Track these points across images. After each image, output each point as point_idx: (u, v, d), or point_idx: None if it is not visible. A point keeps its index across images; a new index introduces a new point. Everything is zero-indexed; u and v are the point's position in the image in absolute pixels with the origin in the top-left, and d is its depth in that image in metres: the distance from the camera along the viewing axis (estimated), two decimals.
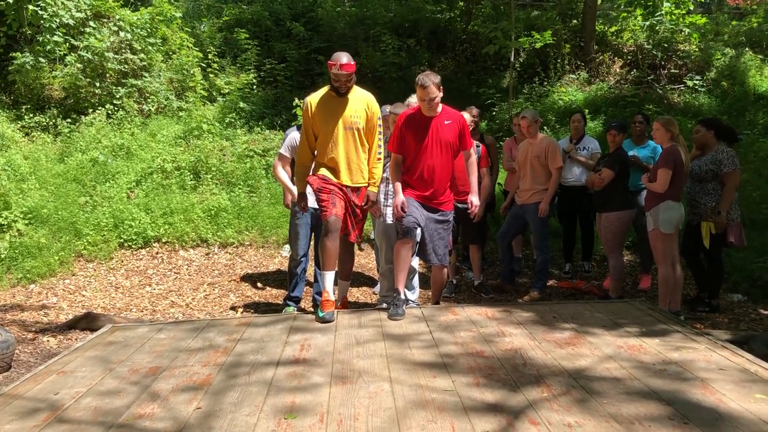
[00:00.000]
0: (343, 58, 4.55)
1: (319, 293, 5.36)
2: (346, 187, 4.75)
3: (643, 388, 3.13)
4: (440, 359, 3.65)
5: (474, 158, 5.01)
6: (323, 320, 4.48)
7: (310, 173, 4.84)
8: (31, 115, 9.57)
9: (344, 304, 5.04)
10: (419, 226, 4.75)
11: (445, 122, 4.79)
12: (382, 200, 5.32)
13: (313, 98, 4.75)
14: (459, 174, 5.61)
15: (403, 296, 4.78)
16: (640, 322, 4.37)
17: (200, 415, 2.96)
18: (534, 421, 2.79)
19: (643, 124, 6.49)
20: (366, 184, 4.88)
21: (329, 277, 4.66)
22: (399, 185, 4.82)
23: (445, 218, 4.93)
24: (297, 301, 5.74)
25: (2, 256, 6.85)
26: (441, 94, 4.70)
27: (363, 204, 4.88)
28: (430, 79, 4.62)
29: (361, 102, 4.76)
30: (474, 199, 4.97)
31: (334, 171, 4.72)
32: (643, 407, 2.91)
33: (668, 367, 3.43)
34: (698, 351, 3.70)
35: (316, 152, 4.81)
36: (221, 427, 2.81)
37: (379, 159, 4.91)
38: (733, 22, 12.28)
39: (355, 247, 5.44)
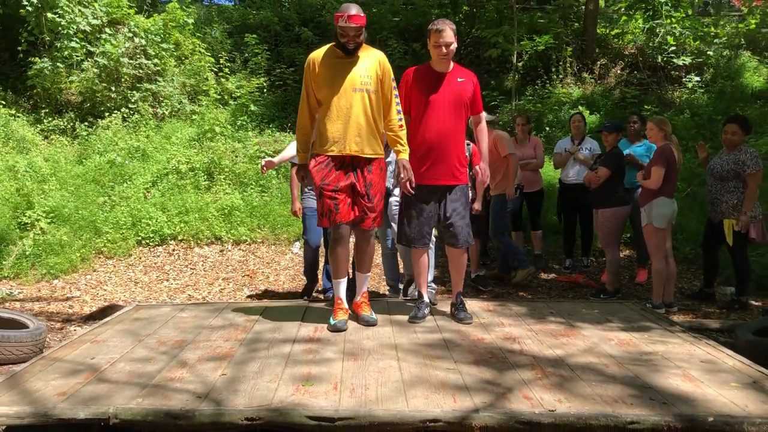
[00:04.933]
0: (352, 8, 3.95)
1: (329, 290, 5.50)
2: (357, 158, 4.13)
3: (628, 374, 3.40)
4: (443, 343, 3.95)
5: (484, 124, 4.56)
6: (335, 329, 4.17)
7: (312, 147, 4.31)
8: (50, 119, 9.94)
9: (365, 300, 4.48)
10: (430, 236, 4.45)
11: (458, 79, 4.29)
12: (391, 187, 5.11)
13: (317, 55, 4.16)
14: None
15: (426, 299, 4.57)
16: (631, 319, 4.60)
17: (226, 380, 3.29)
18: (527, 396, 3.08)
19: (638, 124, 6.78)
20: (380, 156, 4.24)
21: (341, 284, 4.38)
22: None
23: (461, 193, 4.38)
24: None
25: (27, 252, 7.19)
26: (456, 45, 4.20)
27: (399, 176, 4.20)
28: (447, 24, 4.14)
29: (371, 61, 4.15)
30: (483, 167, 4.53)
31: (342, 141, 4.09)
32: (627, 389, 3.18)
33: (653, 357, 3.69)
34: (682, 345, 3.95)
35: (319, 119, 4.22)
36: (245, 390, 3.13)
37: (401, 126, 4.24)
38: (731, 25, 12.53)
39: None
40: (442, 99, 4.24)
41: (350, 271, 4.84)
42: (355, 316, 4.38)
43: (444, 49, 4.15)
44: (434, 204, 4.35)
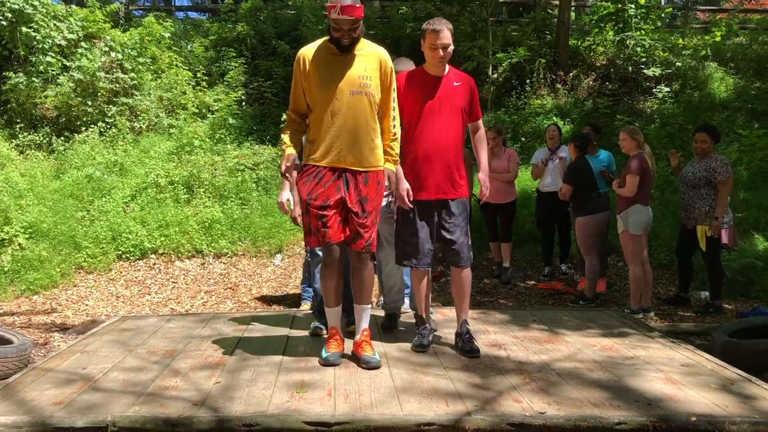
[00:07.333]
0: None
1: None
2: (351, 172, 3.62)
3: (612, 378, 3.53)
4: (431, 350, 4.03)
5: (483, 132, 4.17)
6: (327, 363, 3.68)
7: (301, 156, 3.80)
8: (25, 134, 9.84)
9: (366, 339, 3.84)
10: (431, 254, 4.02)
11: (455, 84, 3.96)
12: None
13: (308, 51, 3.62)
14: None
15: (429, 326, 4.16)
16: (612, 326, 4.76)
17: (220, 388, 3.34)
18: (517, 400, 3.18)
19: (593, 135, 6.92)
20: (379, 168, 3.72)
21: (335, 313, 3.85)
22: (400, 168, 3.90)
23: (462, 207, 4.01)
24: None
25: (5, 268, 7.12)
26: (453, 47, 3.86)
27: (389, 188, 3.83)
28: (444, 24, 3.80)
29: (371, 58, 3.62)
30: (483, 177, 4.10)
31: (337, 151, 3.56)
32: (612, 392, 3.31)
33: (635, 362, 3.83)
34: (662, 350, 4.10)
35: (309, 125, 3.70)
36: (241, 398, 3.19)
37: (394, 135, 3.78)
38: (698, 37, 12.89)
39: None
40: (437, 105, 3.88)
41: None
42: (355, 358, 3.79)
43: (441, 52, 3.82)
44: (434, 219, 3.96)
